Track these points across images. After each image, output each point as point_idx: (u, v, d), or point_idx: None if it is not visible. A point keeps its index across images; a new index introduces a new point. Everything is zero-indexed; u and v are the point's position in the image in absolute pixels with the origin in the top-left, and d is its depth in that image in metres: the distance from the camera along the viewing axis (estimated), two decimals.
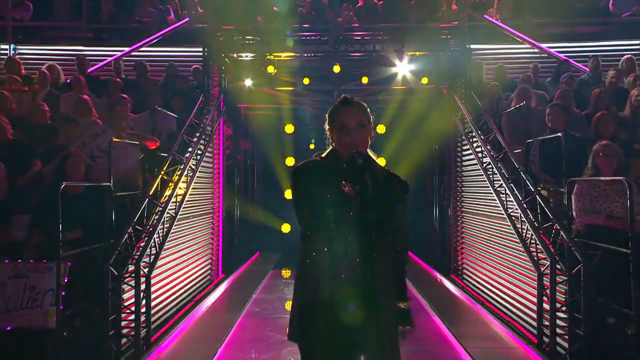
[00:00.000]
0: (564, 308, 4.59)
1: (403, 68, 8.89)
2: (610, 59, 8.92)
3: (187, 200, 6.45)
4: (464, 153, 8.27)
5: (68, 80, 8.39)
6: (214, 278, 8.37)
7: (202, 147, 7.06)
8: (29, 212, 4.46)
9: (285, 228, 11.23)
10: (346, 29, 8.94)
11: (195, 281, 7.31)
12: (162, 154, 6.17)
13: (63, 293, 4.02)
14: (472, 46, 8.93)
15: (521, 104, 6.49)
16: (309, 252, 2.29)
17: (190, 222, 7.03)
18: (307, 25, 9.33)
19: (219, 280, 8.35)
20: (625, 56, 8.23)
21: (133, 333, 4.62)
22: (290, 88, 9.58)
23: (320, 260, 2.26)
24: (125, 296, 4.73)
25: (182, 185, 6.11)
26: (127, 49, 9.31)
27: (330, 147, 2.41)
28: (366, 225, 2.23)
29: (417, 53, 8.60)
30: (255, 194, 12.12)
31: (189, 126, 7.00)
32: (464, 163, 8.31)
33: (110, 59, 9.26)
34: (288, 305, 6.50)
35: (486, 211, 7.16)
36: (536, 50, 9.34)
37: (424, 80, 8.92)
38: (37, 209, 4.48)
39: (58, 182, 4.43)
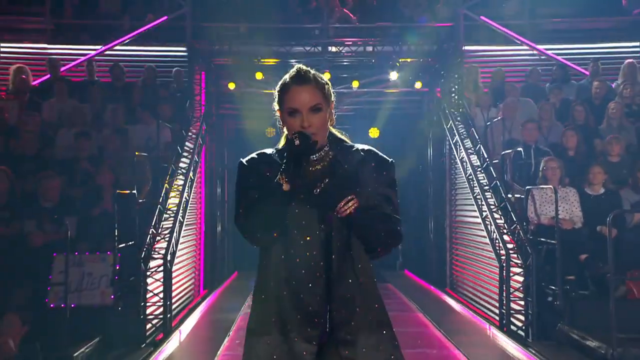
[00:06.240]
0: (517, 293, 8.36)
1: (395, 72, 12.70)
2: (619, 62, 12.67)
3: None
4: (457, 162, 12.08)
5: (34, 83, 11.94)
6: (196, 295, 11.99)
7: (196, 158, 10.75)
8: (77, 214, 8.07)
9: None
10: (336, 30, 12.67)
11: (185, 292, 10.96)
12: (164, 165, 9.82)
13: (116, 277, 7.63)
14: (469, 47, 12.74)
15: (498, 117, 10.33)
16: (260, 268, 2.78)
17: (184, 230, 10.71)
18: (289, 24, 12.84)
19: (202, 295, 11.97)
20: (626, 61, 12.02)
21: (161, 317, 8.25)
22: (273, 91, 13.25)
23: (265, 280, 2.73)
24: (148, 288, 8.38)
25: (185, 195, 9.79)
26: (100, 48, 12.83)
27: (284, 135, 2.88)
28: (317, 230, 2.65)
29: (409, 60, 12.39)
30: (226, 204, 15.71)
31: (179, 136, 10.66)
32: (457, 172, 12.13)
33: (82, 58, 12.77)
34: None
35: (474, 220, 10.96)
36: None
37: (418, 85, 12.74)
38: (85, 212, 8.11)
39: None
